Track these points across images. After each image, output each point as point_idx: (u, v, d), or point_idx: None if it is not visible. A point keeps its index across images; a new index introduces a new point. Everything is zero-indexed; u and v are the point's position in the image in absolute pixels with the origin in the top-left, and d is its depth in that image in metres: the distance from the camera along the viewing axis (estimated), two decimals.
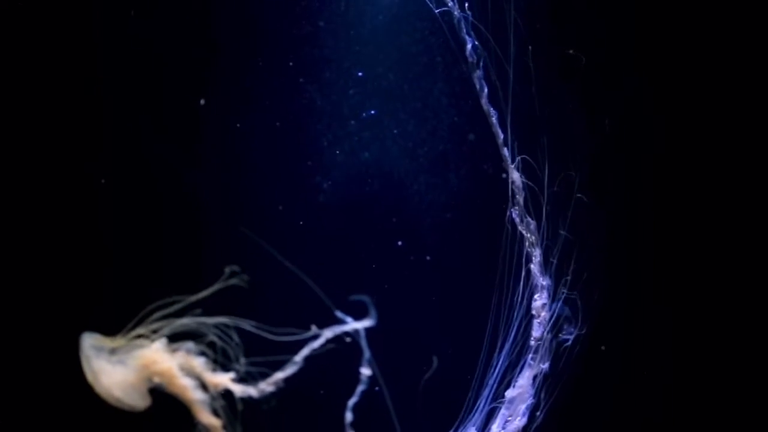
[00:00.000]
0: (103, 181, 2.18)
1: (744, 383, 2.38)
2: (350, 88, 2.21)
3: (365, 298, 1.46)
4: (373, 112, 2.20)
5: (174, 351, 1.66)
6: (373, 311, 1.48)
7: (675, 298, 2.36)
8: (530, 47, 2.09)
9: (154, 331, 1.68)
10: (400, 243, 2.24)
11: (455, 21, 2.08)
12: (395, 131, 2.22)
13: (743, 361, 2.38)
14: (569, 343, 2.18)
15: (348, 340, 1.51)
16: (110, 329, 1.72)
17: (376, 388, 1.57)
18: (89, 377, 1.73)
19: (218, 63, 2.21)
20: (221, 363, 1.62)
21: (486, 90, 2.12)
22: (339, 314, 1.51)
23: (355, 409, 1.56)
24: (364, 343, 1.51)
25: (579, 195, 2.14)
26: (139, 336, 1.70)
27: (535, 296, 2.19)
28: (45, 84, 2.18)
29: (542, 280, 2.18)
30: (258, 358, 1.58)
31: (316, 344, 1.53)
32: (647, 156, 2.31)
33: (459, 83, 2.20)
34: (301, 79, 2.20)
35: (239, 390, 1.58)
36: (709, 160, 2.32)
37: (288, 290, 1.71)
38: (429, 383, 2.00)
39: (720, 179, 2.34)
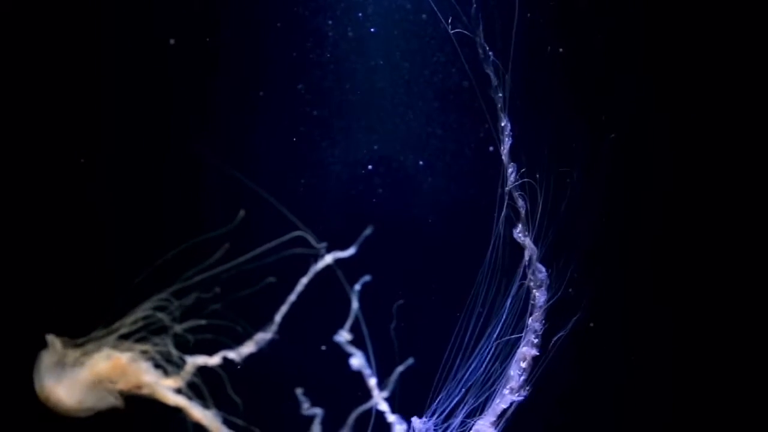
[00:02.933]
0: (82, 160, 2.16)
1: (744, 382, 2.36)
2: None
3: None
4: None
5: (123, 352, 1.55)
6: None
7: (674, 301, 2.34)
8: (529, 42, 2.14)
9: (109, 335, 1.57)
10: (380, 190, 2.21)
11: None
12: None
13: (743, 360, 2.36)
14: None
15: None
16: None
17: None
18: (41, 393, 1.59)
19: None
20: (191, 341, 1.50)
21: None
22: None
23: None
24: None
25: (574, 196, 2.13)
26: (93, 342, 1.58)
27: (523, 346, 2.15)
28: (45, 78, 2.18)
29: (534, 337, 2.15)
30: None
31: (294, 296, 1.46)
32: (647, 155, 2.32)
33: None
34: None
35: (216, 359, 1.47)
36: (711, 159, 2.34)
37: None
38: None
39: (721, 178, 2.35)
